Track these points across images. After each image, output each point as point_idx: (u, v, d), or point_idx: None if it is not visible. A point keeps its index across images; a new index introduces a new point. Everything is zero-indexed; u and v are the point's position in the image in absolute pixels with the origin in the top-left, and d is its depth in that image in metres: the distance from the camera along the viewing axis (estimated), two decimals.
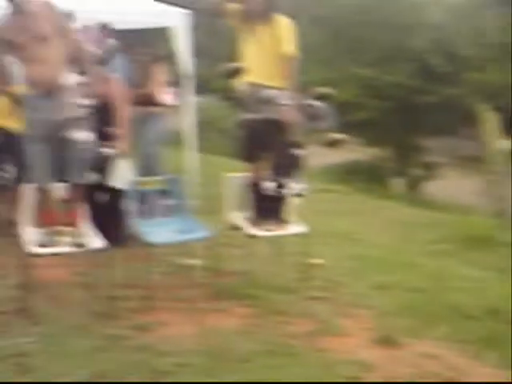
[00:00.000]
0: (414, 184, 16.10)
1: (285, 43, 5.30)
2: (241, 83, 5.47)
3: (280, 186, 5.42)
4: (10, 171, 5.58)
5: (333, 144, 5.48)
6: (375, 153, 15.67)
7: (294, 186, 5.44)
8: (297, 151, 5.40)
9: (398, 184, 14.80)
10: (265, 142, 5.43)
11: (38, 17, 4.83)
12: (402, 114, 15.92)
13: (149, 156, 7.69)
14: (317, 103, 5.43)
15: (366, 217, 8.24)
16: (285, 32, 5.32)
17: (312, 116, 5.44)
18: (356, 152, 14.98)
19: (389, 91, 15.83)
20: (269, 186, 5.43)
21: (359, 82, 16.96)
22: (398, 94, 15.55)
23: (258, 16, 5.36)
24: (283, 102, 5.30)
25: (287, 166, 5.41)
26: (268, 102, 5.32)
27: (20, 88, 5.90)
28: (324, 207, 8.80)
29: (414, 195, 14.80)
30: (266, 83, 5.36)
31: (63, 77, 4.91)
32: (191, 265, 5.64)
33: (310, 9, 18.48)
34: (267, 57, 5.35)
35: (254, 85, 5.38)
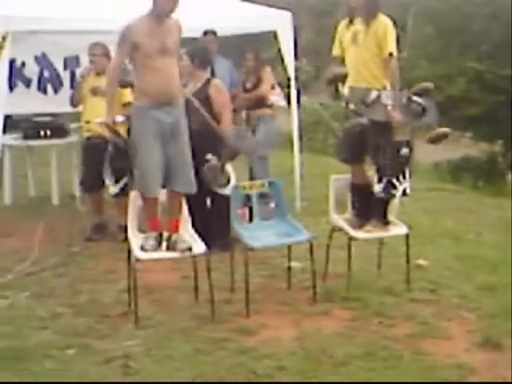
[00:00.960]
0: None
1: (387, 43, 5.26)
2: (346, 87, 5.47)
3: (389, 187, 5.36)
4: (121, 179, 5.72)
5: (437, 139, 5.39)
6: (486, 148, 15.22)
7: (402, 185, 5.38)
8: (404, 150, 5.34)
9: (510, 180, 14.33)
10: (370, 144, 5.40)
11: (169, 29, 5.00)
12: None
13: (260, 159, 7.81)
14: (421, 100, 5.36)
15: (474, 215, 8.03)
16: (386, 31, 5.27)
17: (417, 113, 5.38)
18: (467, 148, 14.63)
19: (501, 85, 15.32)
20: (377, 187, 5.39)
21: (470, 76, 16.50)
22: (510, 87, 15.03)
23: (361, 14, 5.35)
24: (388, 103, 5.25)
25: (395, 167, 5.35)
26: (374, 104, 5.29)
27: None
28: (432, 206, 8.64)
29: None
30: (370, 85, 5.33)
31: (178, 88, 5.07)
32: (293, 268, 5.68)
33: (419, 3, 18.15)
34: (369, 57, 5.33)
35: (358, 88, 5.36)
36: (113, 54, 7.06)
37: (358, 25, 5.39)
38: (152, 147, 4.95)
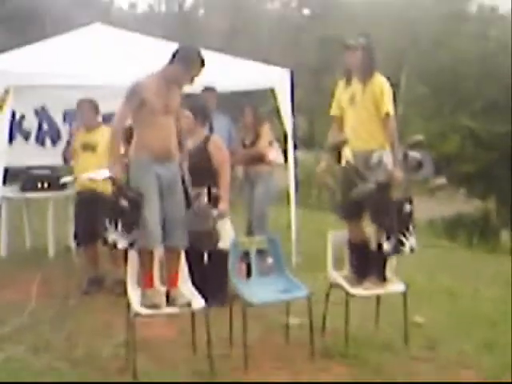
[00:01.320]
0: None
1: (383, 102, 5.33)
2: (347, 152, 5.52)
3: (398, 245, 5.39)
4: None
5: (434, 190, 5.48)
6: (480, 205, 15.34)
7: (409, 242, 5.41)
8: (407, 207, 5.39)
9: (504, 237, 14.39)
10: (372, 203, 5.42)
11: (174, 89, 5.09)
12: (508, 165, 15.58)
13: (259, 215, 7.86)
14: (417, 154, 5.43)
15: (470, 272, 8.06)
16: (383, 91, 5.35)
17: (413, 167, 5.44)
18: (461, 204, 14.74)
19: (494, 142, 15.55)
20: (386, 245, 5.40)
21: (463, 134, 16.74)
22: (504, 144, 15.24)
23: (357, 74, 5.43)
24: (389, 163, 5.31)
25: (401, 224, 5.39)
26: (376, 166, 5.35)
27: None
28: (428, 263, 8.67)
29: None
30: (369, 144, 5.39)
31: (175, 145, 5.13)
32: (291, 323, 5.67)
33: (412, 62, 18.52)
34: (367, 117, 5.39)
35: (360, 151, 5.42)
36: (102, 109, 7.20)
37: (355, 85, 5.47)
38: (152, 200, 4.99)
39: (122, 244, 5.25)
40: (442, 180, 5.53)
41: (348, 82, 5.54)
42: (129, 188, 5.08)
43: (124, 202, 5.07)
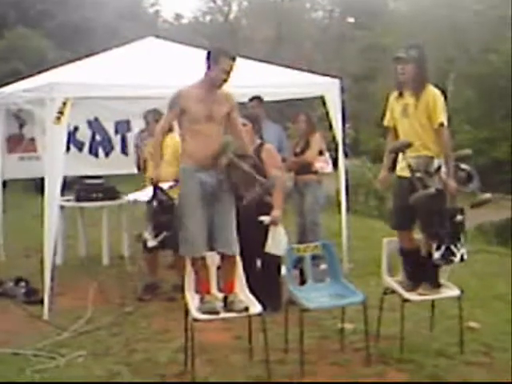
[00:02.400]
0: None
1: (436, 114, 5.33)
2: (407, 159, 5.53)
3: (448, 254, 5.38)
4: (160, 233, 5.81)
5: (480, 204, 5.44)
6: None
7: (459, 252, 5.40)
8: (459, 217, 5.38)
9: None
10: (424, 212, 5.42)
11: (219, 100, 5.20)
12: None
13: (311, 224, 7.91)
14: (467, 166, 5.44)
15: None
16: (436, 103, 5.35)
17: (463, 179, 5.44)
18: (509, 209, 14.58)
19: None
20: (436, 254, 5.40)
21: None
22: None
23: (409, 87, 5.44)
24: (443, 172, 5.33)
25: (453, 234, 5.38)
26: (435, 173, 5.36)
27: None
28: (481, 268, 8.60)
29: None
30: (425, 153, 5.40)
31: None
32: (346, 329, 5.70)
33: (459, 68, 18.39)
34: (421, 128, 5.39)
35: (423, 157, 5.43)
36: None
37: (408, 97, 5.48)
38: (196, 207, 5.10)
39: (150, 243, 5.43)
40: (487, 195, 5.49)
41: (400, 94, 5.55)
42: (163, 192, 5.25)
43: (156, 204, 5.23)
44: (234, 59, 5.16)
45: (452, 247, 5.33)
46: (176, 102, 5.13)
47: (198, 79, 5.24)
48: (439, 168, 5.34)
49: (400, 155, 5.55)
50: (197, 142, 5.10)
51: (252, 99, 7.98)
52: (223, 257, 5.27)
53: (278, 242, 6.25)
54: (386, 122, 5.75)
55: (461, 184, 5.45)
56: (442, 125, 5.34)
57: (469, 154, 5.59)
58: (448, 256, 5.33)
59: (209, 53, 5.21)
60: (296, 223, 8.17)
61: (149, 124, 7.33)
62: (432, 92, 5.38)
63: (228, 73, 5.15)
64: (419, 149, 5.38)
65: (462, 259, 5.40)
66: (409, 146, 5.36)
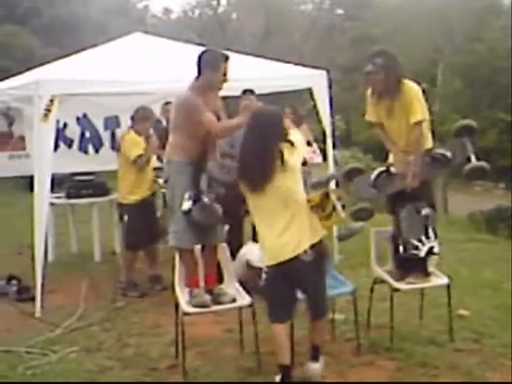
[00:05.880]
0: None
1: (412, 111, 5.31)
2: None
3: (409, 248, 5.40)
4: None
5: (474, 173, 5.28)
6: None
7: (425, 246, 5.39)
8: (425, 211, 5.37)
9: None
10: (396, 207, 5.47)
11: (210, 97, 5.23)
12: None
13: None
14: (442, 150, 5.37)
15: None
16: (412, 100, 5.31)
17: (443, 162, 5.38)
18: (500, 198, 14.65)
19: None
20: (400, 248, 5.43)
21: (501, 128, 16.64)
22: None
23: (385, 94, 5.44)
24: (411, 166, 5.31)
25: (416, 227, 5.39)
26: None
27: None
28: (470, 257, 8.68)
29: None
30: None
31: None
32: (336, 319, 5.74)
33: (447, 58, 18.41)
34: (405, 127, 5.39)
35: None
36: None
37: (387, 101, 5.47)
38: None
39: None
40: (481, 163, 5.31)
41: (379, 97, 5.54)
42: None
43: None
44: (228, 60, 5.21)
45: (415, 242, 5.32)
46: (200, 105, 5.06)
47: (192, 83, 5.22)
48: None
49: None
50: (195, 142, 5.16)
51: (245, 92, 7.96)
52: (204, 248, 5.32)
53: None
54: (367, 117, 5.71)
55: (443, 168, 5.43)
56: (417, 123, 5.31)
57: (470, 125, 5.32)
58: (410, 250, 5.33)
59: (202, 56, 5.19)
60: None
61: (134, 121, 7.24)
62: (408, 91, 5.31)
63: (226, 74, 5.19)
64: (406, 149, 5.37)
65: (430, 253, 5.37)
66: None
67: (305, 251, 4.39)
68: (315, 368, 4.67)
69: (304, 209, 4.47)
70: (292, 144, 4.48)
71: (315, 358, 4.69)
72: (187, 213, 5.03)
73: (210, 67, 5.12)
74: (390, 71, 5.31)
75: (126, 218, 7.12)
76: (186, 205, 5.04)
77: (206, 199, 5.01)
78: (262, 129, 4.44)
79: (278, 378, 4.51)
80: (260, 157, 4.38)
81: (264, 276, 4.60)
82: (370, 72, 5.36)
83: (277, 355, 4.54)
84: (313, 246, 4.42)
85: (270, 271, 4.54)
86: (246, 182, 4.48)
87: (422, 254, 5.34)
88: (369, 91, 5.62)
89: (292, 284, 4.55)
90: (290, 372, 4.52)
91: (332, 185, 5.09)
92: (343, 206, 4.61)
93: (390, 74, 5.31)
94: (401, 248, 5.39)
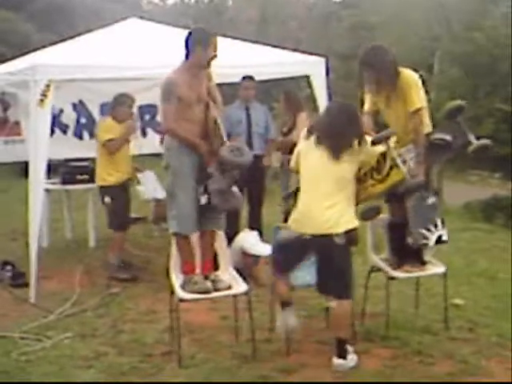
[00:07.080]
0: None
1: (409, 100, 5.25)
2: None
3: (419, 238, 5.33)
4: None
5: (478, 150, 5.22)
6: None
7: (434, 235, 5.32)
8: (431, 200, 5.30)
9: None
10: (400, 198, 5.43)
11: (202, 79, 5.25)
12: None
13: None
14: (442, 135, 5.30)
15: (508, 254, 8.02)
16: (409, 89, 5.25)
17: (443, 147, 5.32)
18: (496, 187, 14.63)
19: None
20: (409, 238, 5.38)
21: (498, 117, 16.60)
22: None
23: (382, 89, 5.40)
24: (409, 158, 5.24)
25: (424, 217, 5.33)
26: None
27: None
28: (466, 246, 8.67)
29: None
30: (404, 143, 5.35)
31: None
32: (331, 308, 5.72)
33: (444, 45, 18.34)
34: (403, 117, 5.34)
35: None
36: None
37: (385, 93, 5.43)
38: (188, 185, 5.15)
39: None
40: (484, 141, 5.23)
41: (377, 92, 5.49)
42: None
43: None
44: (216, 37, 5.21)
45: (423, 231, 5.23)
46: (172, 92, 5.07)
47: (182, 63, 5.21)
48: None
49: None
50: (189, 123, 5.15)
51: (244, 78, 7.92)
52: (201, 235, 5.30)
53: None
54: (366, 107, 5.66)
55: (444, 153, 5.37)
56: (416, 111, 5.27)
57: (461, 105, 5.27)
58: (420, 240, 5.26)
59: (190, 36, 5.18)
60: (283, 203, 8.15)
61: (114, 108, 7.30)
62: (405, 79, 5.25)
63: (217, 50, 5.17)
64: (404, 138, 5.30)
65: (439, 241, 5.26)
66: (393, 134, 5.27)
67: (337, 234, 4.67)
68: (340, 363, 4.80)
69: (352, 197, 4.86)
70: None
71: (341, 355, 4.78)
72: (208, 203, 5.10)
73: (202, 44, 5.11)
74: (383, 65, 5.25)
75: (108, 199, 7.21)
76: (203, 199, 5.07)
77: (220, 184, 5.07)
78: (351, 113, 4.90)
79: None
80: (346, 126, 4.80)
81: (285, 235, 5.01)
82: (364, 68, 5.33)
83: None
84: (346, 232, 4.69)
85: (294, 236, 4.87)
86: (327, 144, 4.79)
87: (431, 243, 5.23)
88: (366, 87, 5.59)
89: (304, 255, 4.97)
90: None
91: (392, 140, 5.03)
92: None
93: (383, 69, 5.25)
94: (409, 239, 5.29)
